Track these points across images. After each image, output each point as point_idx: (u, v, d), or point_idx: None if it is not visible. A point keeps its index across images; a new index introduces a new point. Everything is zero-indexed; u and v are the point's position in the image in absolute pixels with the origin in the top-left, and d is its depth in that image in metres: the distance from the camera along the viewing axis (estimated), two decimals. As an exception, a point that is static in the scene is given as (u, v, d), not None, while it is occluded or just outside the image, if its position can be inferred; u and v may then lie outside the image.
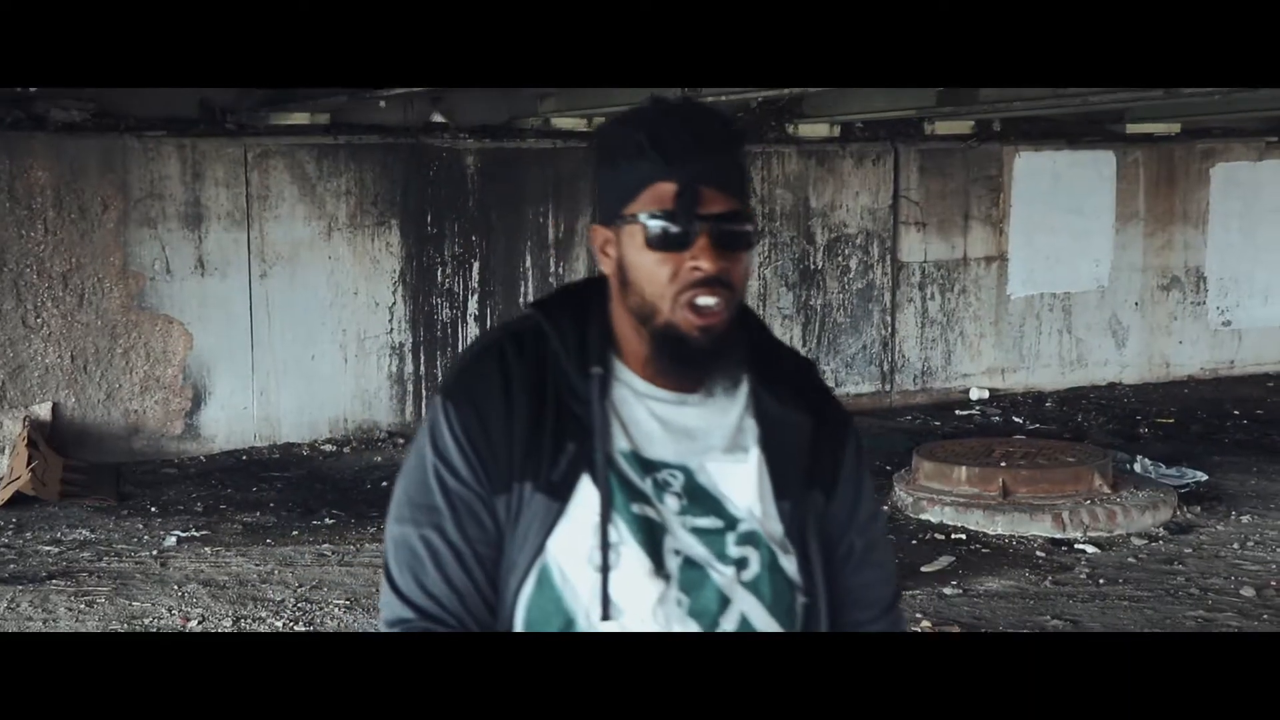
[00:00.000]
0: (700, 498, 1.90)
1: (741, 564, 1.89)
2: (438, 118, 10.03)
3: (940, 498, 8.05)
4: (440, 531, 1.87)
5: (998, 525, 7.79)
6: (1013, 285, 12.36)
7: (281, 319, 9.83)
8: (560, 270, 10.68)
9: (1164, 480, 8.75)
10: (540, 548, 1.86)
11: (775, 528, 1.92)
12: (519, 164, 10.47)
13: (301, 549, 7.43)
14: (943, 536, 7.75)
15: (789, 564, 1.92)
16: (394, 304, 10.18)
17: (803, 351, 11.15)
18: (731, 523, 1.90)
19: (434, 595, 1.87)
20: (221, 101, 9.53)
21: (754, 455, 1.93)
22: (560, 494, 1.86)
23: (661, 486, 1.89)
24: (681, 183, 1.83)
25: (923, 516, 8.03)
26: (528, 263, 10.54)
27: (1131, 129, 12.22)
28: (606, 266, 1.93)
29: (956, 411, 11.71)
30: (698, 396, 1.94)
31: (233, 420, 9.80)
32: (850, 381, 11.77)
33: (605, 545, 1.83)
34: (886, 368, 11.94)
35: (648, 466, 1.89)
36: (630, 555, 1.84)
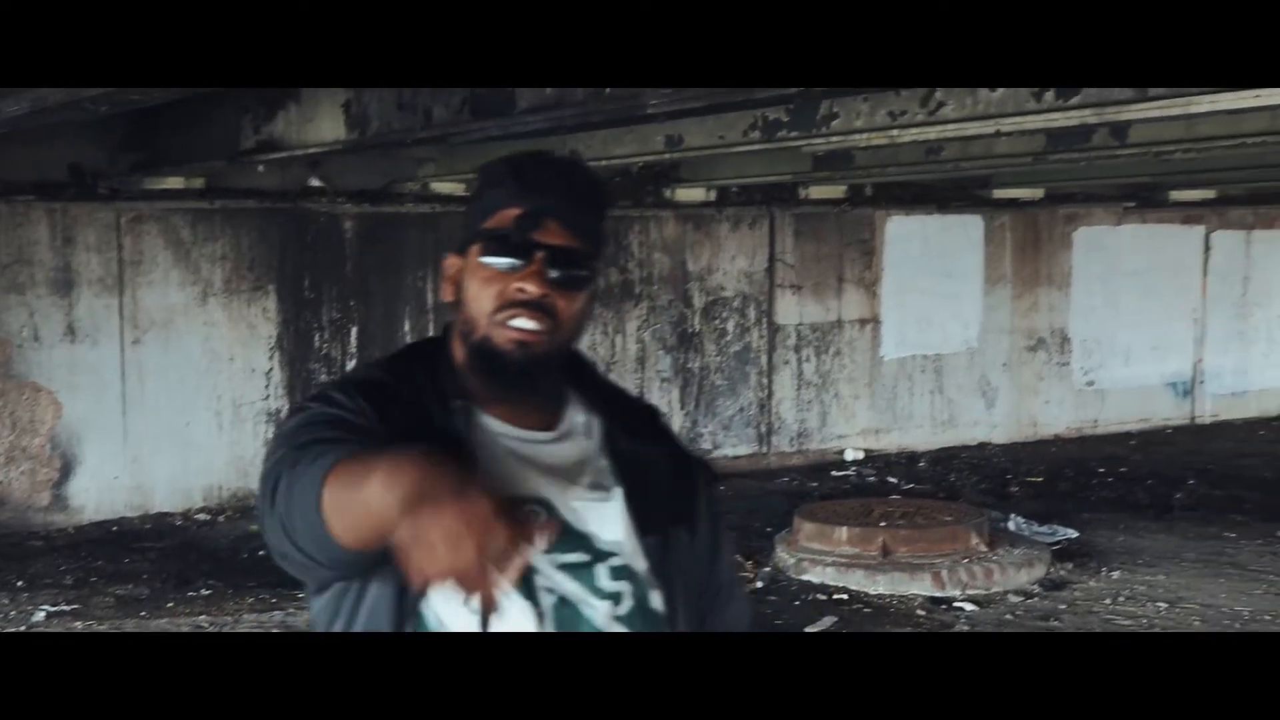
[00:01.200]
0: (566, 533, 1.89)
1: (615, 598, 1.90)
2: (315, 182, 9.97)
3: (822, 558, 8.12)
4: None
5: (879, 585, 7.88)
6: (886, 347, 12.57)
7: (155, 386, 9.66)
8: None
9: (1037, 538, 8.92)
10: (419, 594, 1.80)
11: (641, 564, 1.94)
12: (397, 228, 10.43)
13: (177, 620, 7.27)
14: (825, 597, 7.81)
15: (657, 599, 1.94)
16: (271, 370, 10.05)
17: (681, 415, 11.27)
18: (601, 556, 1.91)
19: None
20: (93, 165, 9.37)
21: (617, 493, 1.95)
22: None
23: None
24: (527, 208, 1.87)
25: (805, 577, 8.10)
26: (406, 327, 10.48)
27: (998, 194, 12.55)
28: (448, 294, 1.96)
29: (833, 472, 11.84)
30: (551, 434, 1.96)
31: (103, 490, 9.57)
32: (728, 444, 11.86)
33: None
34: (764, 429, 12.05)
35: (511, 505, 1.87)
36: (504, 597, 1.80)
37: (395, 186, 10.36)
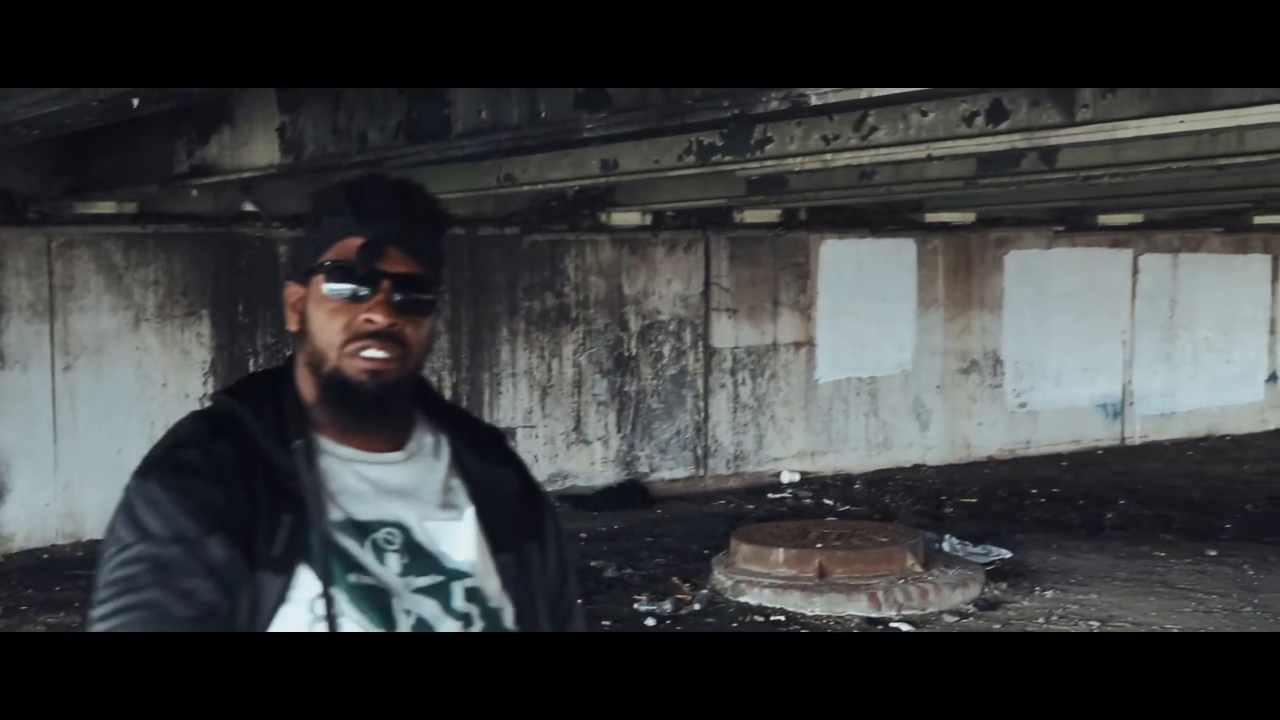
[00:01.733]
0: (420, 555, 1.91)
1: (466, 619, 1.91)
2: (249, 206, 9.92)
3: (759, 580, 8.16)
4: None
5: (815, 606, 7.92)
6: (821, 370, 12.66)
7: (87, 412, 9.56)
8: (374, 359, 10.59)
9: (971, 558, 9.01)
10: (266, 626, 1.82)
11: (493, 583, 1.95)
12: (332, 253, 10.37)
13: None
14: (762, 619, 7.84)
15: (509, 619, 1.96)
16: (204, 395, 9.97)
17: (617, 438, 11.29)
18: (454, 577, 1.92)
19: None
20: (24, 190, 9.27)
21: (469, 513, 1.96)
22: (282, 569, 1.82)
23: (381, 548, 1.89)
24: (368, 237, 1.88)
25: (742, 599, 8.12)
26: (341, 352, 10.42)
27: (930, 218, 12.69)
28: (292, 323, 1.97)
29: (769, 495, 11.90)
30: (400, 455, 1.97)
31: (33, 518, 9.45)
32: (665, 466, 11.89)
33: (331, 618, 1.82)
34: (700, 452, 12.09)
35: (365, 530, 1.89)
36: (351, 628, 1.83)
37: (330, 211, 10.30)
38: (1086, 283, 14.14)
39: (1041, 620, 7.81)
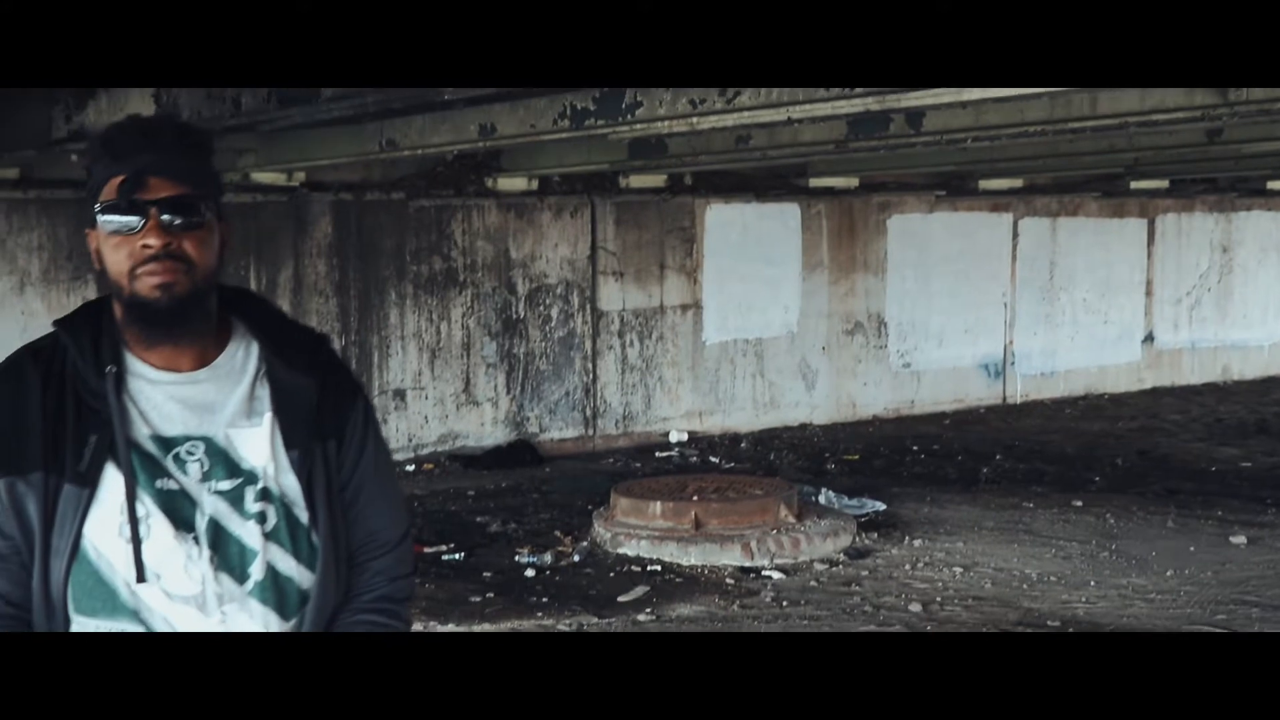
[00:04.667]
0: (220, 462, 2.14)
1: (261, 517, 2.15)
2: (133, 171, 9.94)
3: (636, 532, 8.40)
4: None
5: (690, 556, 8.18)
6: (708, 332, 12.91)
7: (-29, 376, 9.57)
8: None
9: (846, 510, 9.31)
10: (78, 532, 2.08)
11: (290, 481, 2.17)
12: (219, 217, 10.43)
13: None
14: (639, 569, 8.09)
15: (303, 514, 2.18)
16: (91, 359, 10.01)
17: (507, 399, 11.45)
18: (250, 479, 2.15)
19: None
20: (-98, 155, 9.26)
21: (267, 419, 2.18)
22: (86, 481, 2.08)
23: (183, 460, 2.13)
24: (127, 174, 2.08)
25: (620, 550, 8.37)
26: (229, 316, 10.49)
27: (814, 183, 12.95)
28: (96, 263, 2.17)
29: (657, 454, 12.15)
30: (205, 372, 2.18)
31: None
32: (554, 427, 12.10)
33: (134, 519, 2.07)
34: (589, 413, 12.31)
35: (169, 444, 2.13)
36: (159, 524, 2.09)
37: (216, 176, 10.35)
38: (968, 246, 14.50)
39: (908, 567, 8.12)
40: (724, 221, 12.85)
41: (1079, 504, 9.85)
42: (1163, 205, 16.13)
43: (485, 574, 7.97)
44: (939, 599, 7.45)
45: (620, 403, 12.47)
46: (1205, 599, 7.40)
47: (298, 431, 2.19)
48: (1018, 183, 14.37)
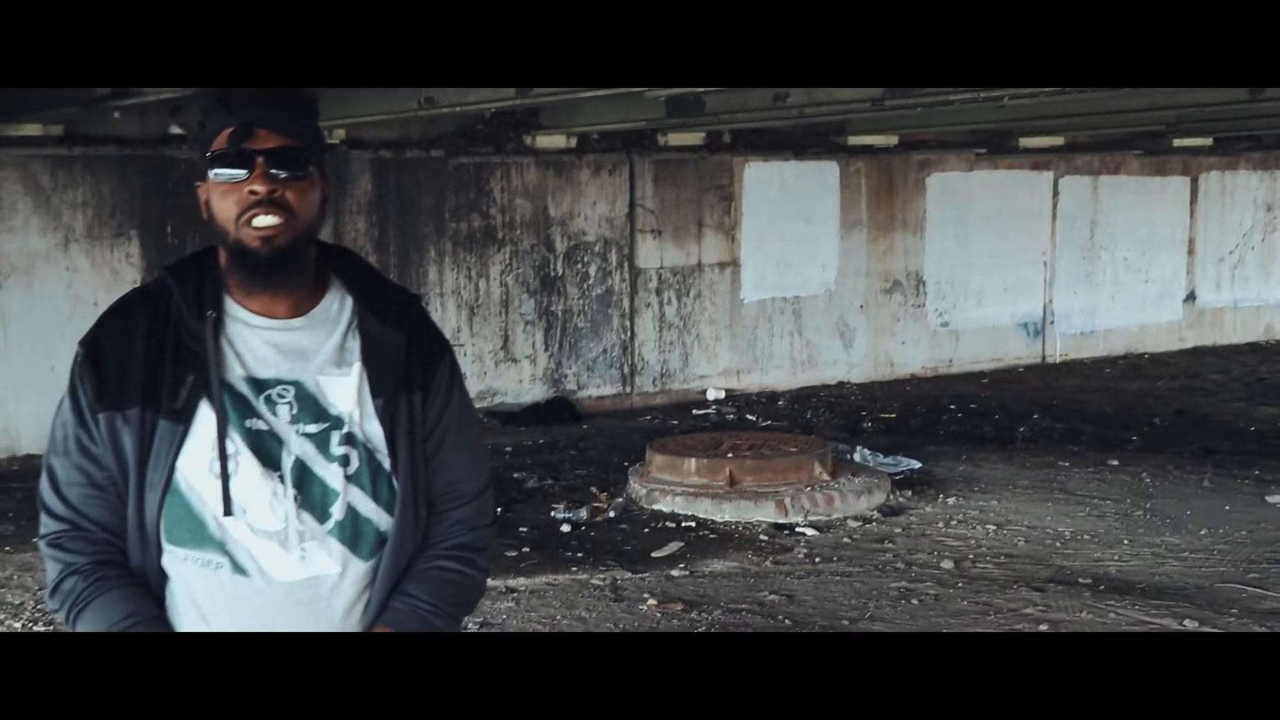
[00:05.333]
0: (308, 407, 2.27)
1: (344, 461, 2.27)
2: (175, 129, 10.05)
3: (671, 488, 8.47)
4: (69, 457, 2.27)
5: (725, 513, 8.24)
6: (745, 290, 12.93)
7: (19, 331, 9.73)
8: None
9: (881, 468, 9.34)
10: (171, 466, 2.22)
11: (374, 428, 2.30)
12: (260, 175, 10.52)
13: (41, 555, 7.41)
14: (674, 525, 8.16)
15: (385, 459, 2.30)
16: (134, 315, 10.13)
17: (545, 356, 11.52)
18: (336, 424, 2.28)
19: (73, 506, 2.27)
20: (-51, 112, 9.38)
21: (355, 368, 2.30)
22: (182, 419, 2.22)
23: (274, 401, 2.26)
24: (237, 126, 2.22)
25: (655, 506, 8.44)
26: (270, 272, 10.60)
27: (853, 141, 12.92)
28: (205, 214, 2.30)
29: (694, 411, 12.21)
30: (301, 321, 2.32)
31: (-33, 435, 9.66)
32: (592, 384, 12.17)
33: (224, 456, 2.20)
34: (627, 370, 12.37)
35: (261, 386, 2.26)
36: (247, 462, 2.23)
37: (257, 133, 10.43)
38: (1008, 205, 14.45)
39: (940, 525, 8.16)
40: (762, 180, 12.85)
41: (1115, 463, 9.84)
42: (1206, 163, 16.00)
43: (521, 529, 8.06)
44: (971, 556, 7.49)
45: (658, 360, 12.53)
46: (1239, 557, 7.42)
47: (384, 381, 2.31)
48: (1058, 141, 14.28)
